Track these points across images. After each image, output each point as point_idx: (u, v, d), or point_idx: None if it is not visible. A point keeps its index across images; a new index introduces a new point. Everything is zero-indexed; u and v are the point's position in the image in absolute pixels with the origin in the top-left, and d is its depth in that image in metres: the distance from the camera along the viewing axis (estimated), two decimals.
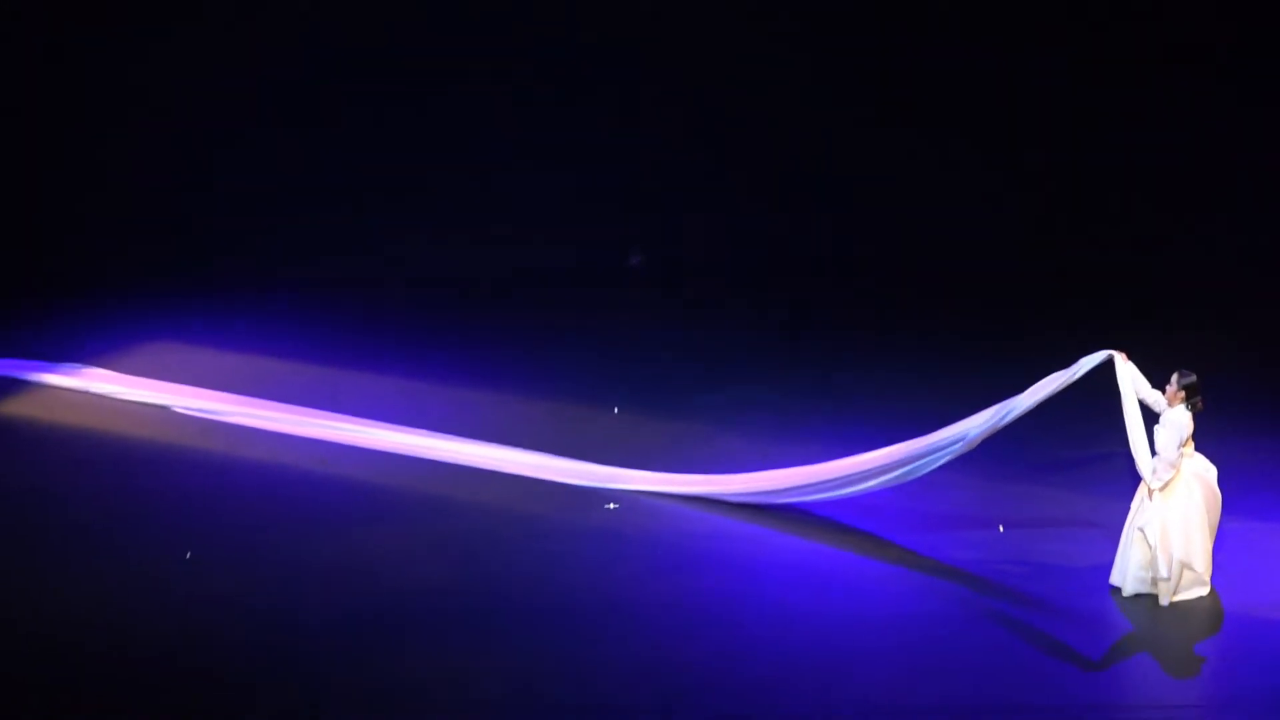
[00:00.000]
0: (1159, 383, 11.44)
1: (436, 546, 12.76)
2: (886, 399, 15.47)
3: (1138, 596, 11.39)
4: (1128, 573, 11.38)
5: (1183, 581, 11.23)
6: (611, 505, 13.45)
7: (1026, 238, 19.19)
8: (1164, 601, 11.25)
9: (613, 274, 19.21)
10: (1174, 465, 11.17)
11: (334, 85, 20.30)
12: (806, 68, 19.96)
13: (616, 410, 15.34)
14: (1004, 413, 11.92)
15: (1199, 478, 11.32)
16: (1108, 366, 11.49)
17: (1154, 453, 11.27)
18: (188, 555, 12.42)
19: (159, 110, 20.27)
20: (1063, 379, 11.66)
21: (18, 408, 15.61)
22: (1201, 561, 11.19)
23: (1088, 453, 13.04)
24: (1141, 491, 11.31)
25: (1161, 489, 11.16)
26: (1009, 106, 19.70)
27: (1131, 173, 19.36)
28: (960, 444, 12.13)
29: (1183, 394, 11.24)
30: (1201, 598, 11.34)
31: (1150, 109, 19.34)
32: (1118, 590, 11.42)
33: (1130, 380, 11.34)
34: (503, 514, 13.40)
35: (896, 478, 12.52)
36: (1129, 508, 11.54)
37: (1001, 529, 12.74)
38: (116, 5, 20.15)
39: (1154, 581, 11.25)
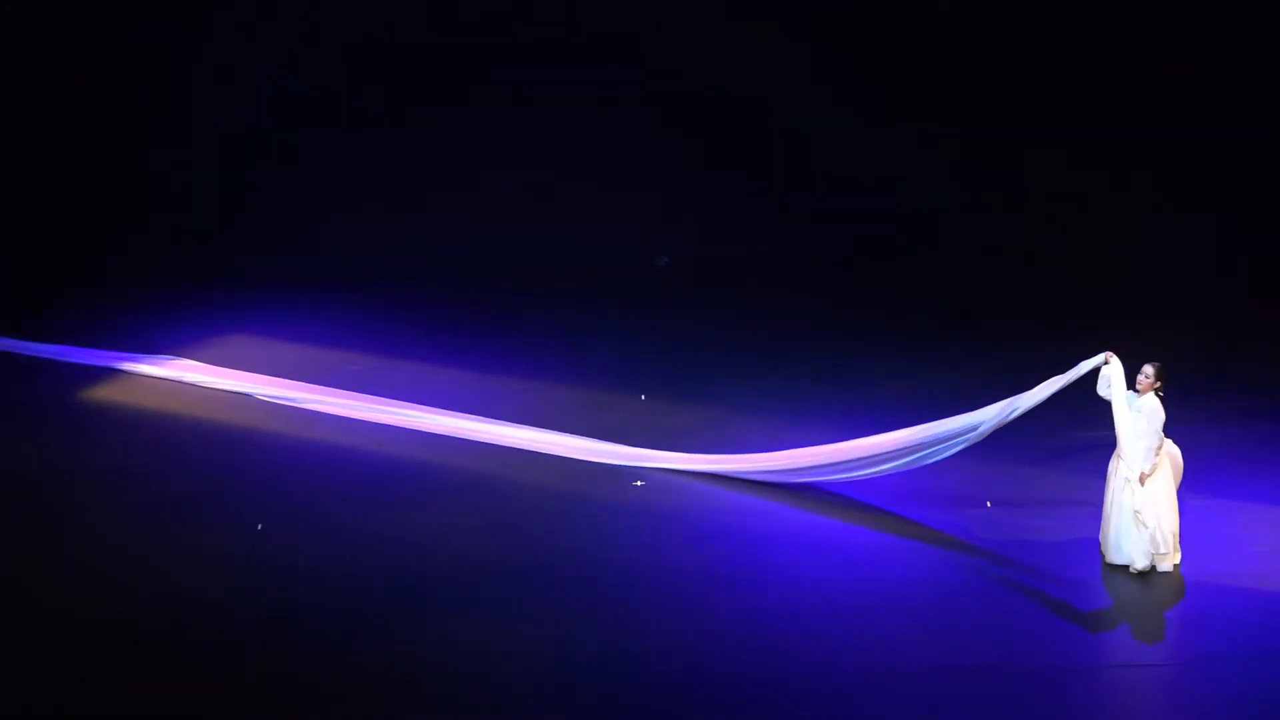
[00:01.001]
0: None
1: (481, 520, 13.09)
2: (887, 387, 15.79)
3: (1116, 567, 11.83)
4: (1135, 551, 11.74)
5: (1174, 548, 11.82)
6: (638, 483, 13.77)
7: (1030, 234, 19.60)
8: (1167, 568, 11.76)
9: (640, 271, 19.62)
10: (1159, 450, 11.72)
11: (390, 88, 20.72)
12: (811, 69, 20.26)
13: (644, 397, 15.74)
14: (1010, 409, 12.22)
15: (1168, 454, 11.88)
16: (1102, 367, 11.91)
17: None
18: (259, 527, 12.94)
19: (232, 109, 20.66)
20: (1064, 380, 12.00)
21: (112, 394, 15.97)
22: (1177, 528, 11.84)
23: (1068, 436, 13.37)
24: (1121, 475, 11.72)
25: (1150, 474, 11.67)
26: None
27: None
28: (971, 434, 12.41)
29: (1159, 383, 11.75)
30: (1176, 566, 11.85)
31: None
32: (1124, 566, 11.75)
33: (1120, 380, 11.79)
34: (540, 491, 13.74)
35: (909, 463, 12.78)
36: (1105, 487, 11.95)
37: (990, 504, 13.01)
38: (196, 8, 20.62)
39: (1156, 555, 11.76)
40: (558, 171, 20.48)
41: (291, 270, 19.24)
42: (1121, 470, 11.74)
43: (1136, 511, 11.64)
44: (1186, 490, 12.22)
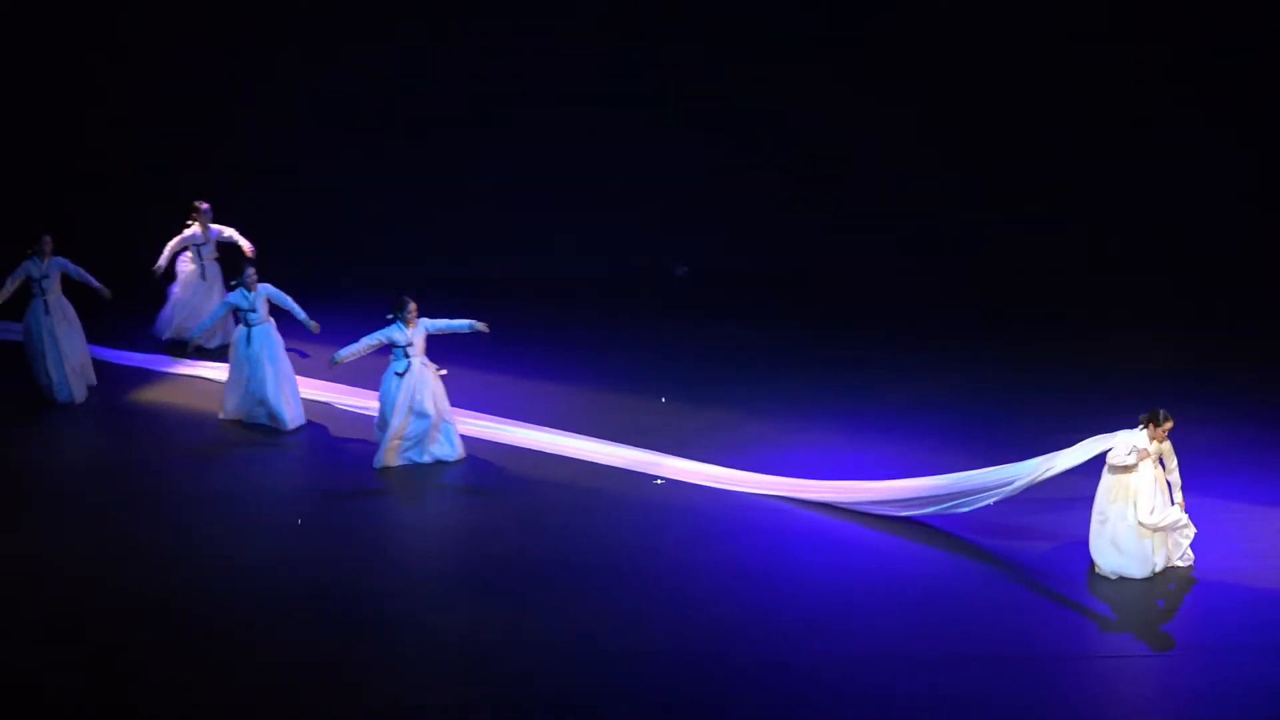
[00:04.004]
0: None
1: (518, 516, 13.68)
2: (894, 394, 16.14)
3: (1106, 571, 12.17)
4: (1168, 552, 12.14)
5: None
6: (658, 481, 14.26)
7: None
8: (1192, 533, 12.13)
9: (660, 281, 19.97)
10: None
11: (443, 104, 21.13)
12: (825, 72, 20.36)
13: (664, 400, 16.09)
14: (1046, 467, 12.36)
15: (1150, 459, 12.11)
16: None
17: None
18: (299, 521, 13.60)
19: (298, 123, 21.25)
20: (1101, 446, 12.09)
21: (175, 397, 16.69)
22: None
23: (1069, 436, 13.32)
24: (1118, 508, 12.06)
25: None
26: None
27: None
28: (1006, 489, 12.55)
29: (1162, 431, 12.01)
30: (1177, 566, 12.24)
31: None
32: (1160, 571, 12.08)
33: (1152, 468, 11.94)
34: (569, 489, 14.22)
35: (944, 509, 12.91)
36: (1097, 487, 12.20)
37: (993, 502, 12.97)
38: (301, 24, 21.14)
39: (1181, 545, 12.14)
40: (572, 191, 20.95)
41: (355, 280, 19.77)
42: (1130, 515, 12.02)
43: (1142, 524, 11.98)
44: (1190, 490, 12.53)
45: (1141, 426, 12.02)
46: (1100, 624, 11.76)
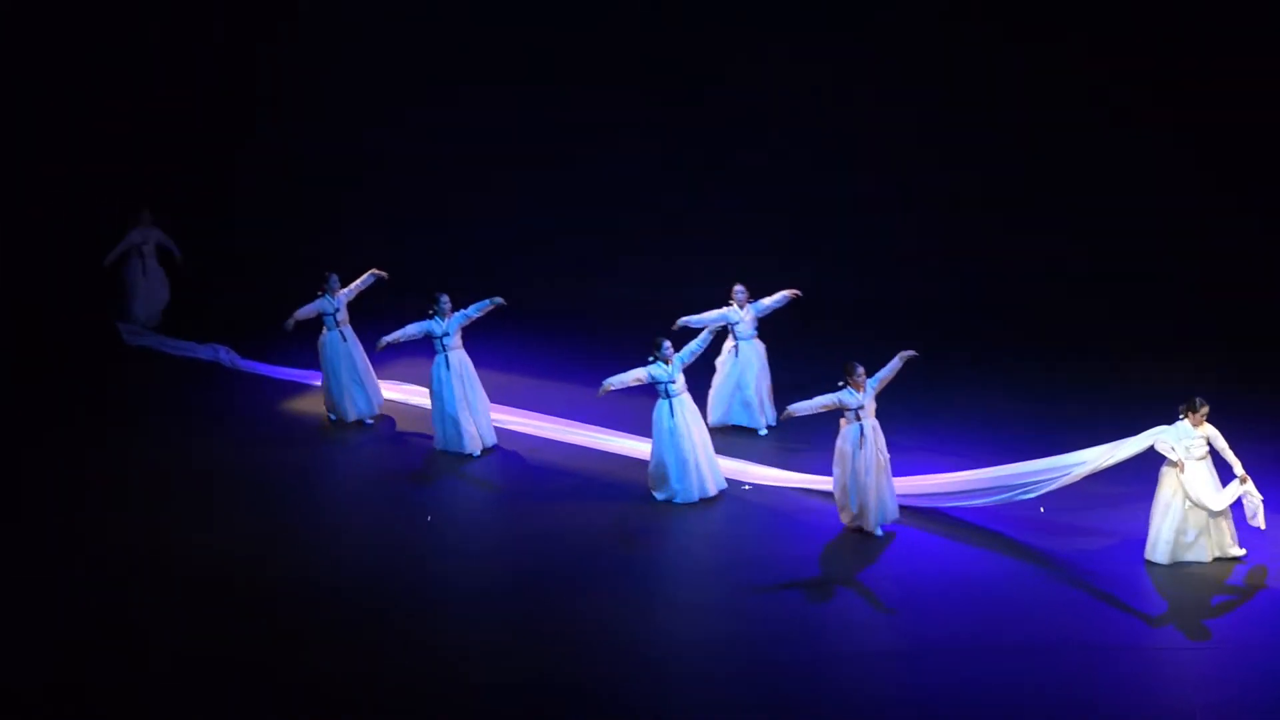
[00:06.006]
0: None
1: (581, 516, 14.40)
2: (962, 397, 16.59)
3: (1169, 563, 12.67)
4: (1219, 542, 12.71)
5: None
6: (746, 486, 14.90)
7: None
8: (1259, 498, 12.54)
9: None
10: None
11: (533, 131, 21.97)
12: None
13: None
14: (1109, 454, 12.84)
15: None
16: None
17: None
18: (429, 519, 14.57)
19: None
20: (1157, 436, 12.63)
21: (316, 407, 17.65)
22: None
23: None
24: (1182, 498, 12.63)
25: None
26: None
27: None
28: (1071, 474, 13.01)
29: (1200, 417, 12.60)
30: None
31: None
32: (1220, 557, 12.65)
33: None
34: (626, 488, 14.95)
35: (1008, 497, 13.40)
36: (1154, 491, 12.76)
37: (1042, 510, 13.66)
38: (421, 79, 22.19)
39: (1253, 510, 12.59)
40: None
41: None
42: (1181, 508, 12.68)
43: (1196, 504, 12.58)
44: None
45: (1181, 416, 12.60)
46: (1151, 618, 12.21)
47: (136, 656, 12.22)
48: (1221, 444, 12.70)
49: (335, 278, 17.03)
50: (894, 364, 13.76)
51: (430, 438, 16.43)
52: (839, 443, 13.69)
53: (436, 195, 22.87)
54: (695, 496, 14.64)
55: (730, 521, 14.31)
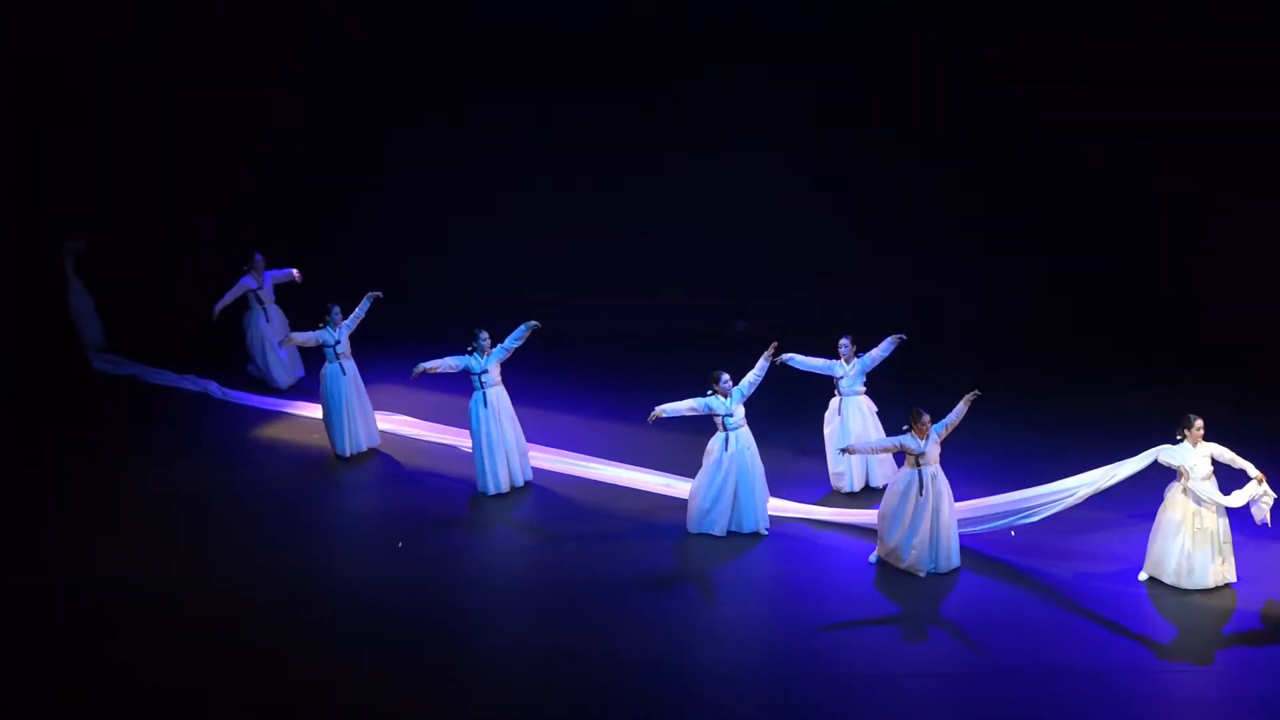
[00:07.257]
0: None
1: (597, 542, 14.53)
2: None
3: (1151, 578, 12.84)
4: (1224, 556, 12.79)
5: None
6: (1013, 533, 14.22)
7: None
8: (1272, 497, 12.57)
9: (722, 334, 20.05)
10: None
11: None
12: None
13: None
14: (1110, 474, 12.92)
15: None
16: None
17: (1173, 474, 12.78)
18: (399, 544, 14.54)
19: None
20: (1158, 454, 12.76)
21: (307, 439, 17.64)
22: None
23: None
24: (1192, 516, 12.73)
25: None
26: None
27: None
28: (1075, 495, 13.11)
29: (1196, 433, 12.72)
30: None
31: None
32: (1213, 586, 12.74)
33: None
34: (637, 519, 15.02)
35: (1014, 520, 13.45)
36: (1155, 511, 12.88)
37: (1013, 533, 13.72)
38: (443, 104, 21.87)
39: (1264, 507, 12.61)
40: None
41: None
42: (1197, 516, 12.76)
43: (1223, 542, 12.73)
44: (1236, 517, 13.08)
45: (1180, 438, 12.71)
46: (1158, 646, 12.25)
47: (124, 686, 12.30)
48: (1228, 456, 12.74)
49: (337, 309, 16.97)
50: (960, 409, 13.47)
51: (436, 474, 16.37)
52: (891, 483, 13.66)
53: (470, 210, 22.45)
54: (724, 530, 14.55)
55: (758, 556, 14.20)
